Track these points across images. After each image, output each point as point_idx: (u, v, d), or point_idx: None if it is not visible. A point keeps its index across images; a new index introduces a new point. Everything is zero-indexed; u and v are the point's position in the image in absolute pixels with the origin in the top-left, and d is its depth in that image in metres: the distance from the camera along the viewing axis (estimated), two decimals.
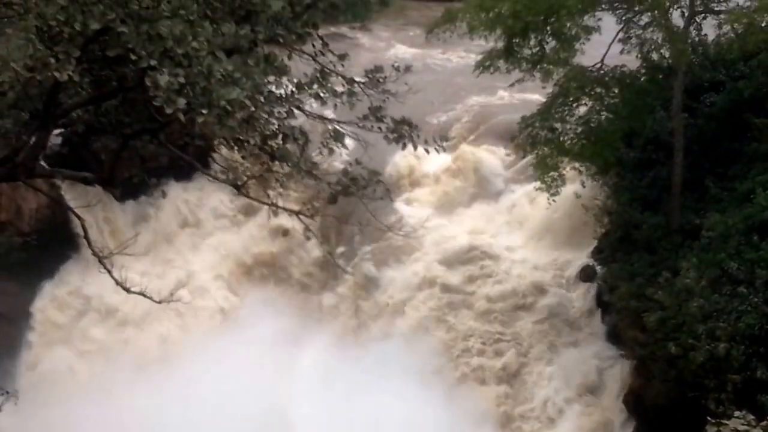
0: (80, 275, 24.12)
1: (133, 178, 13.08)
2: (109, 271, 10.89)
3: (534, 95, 23.81)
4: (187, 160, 11.62)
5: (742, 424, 8.94)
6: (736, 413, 9.20)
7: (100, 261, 10.82)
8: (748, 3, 18.20)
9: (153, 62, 7.93)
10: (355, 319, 24.29)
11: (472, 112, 28.12)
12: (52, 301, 24.20)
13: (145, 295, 11.21)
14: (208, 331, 24.13)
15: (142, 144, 11.05)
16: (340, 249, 24.11)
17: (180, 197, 25.61)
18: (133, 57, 7.99)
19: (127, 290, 11.08)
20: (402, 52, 35.50)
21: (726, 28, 18.78)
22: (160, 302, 11.52)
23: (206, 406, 21.03)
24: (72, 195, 20.10)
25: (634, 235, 19.09)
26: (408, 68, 10.57)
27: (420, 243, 24.02)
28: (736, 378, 14.60)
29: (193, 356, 23.12)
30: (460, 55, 33.32)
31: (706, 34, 20.16)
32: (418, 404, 21.09)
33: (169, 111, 7.90)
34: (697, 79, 20.49)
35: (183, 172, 24.82)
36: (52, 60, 8.03)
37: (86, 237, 11.65)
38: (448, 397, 21.79)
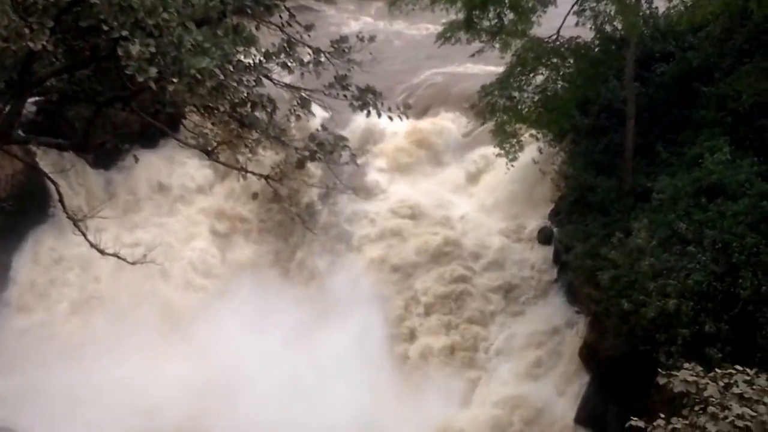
0: (55, 239, 24.04)
1: (105, 144, 13.12)
2: (84, 234, 11.02)
3: (489, 66, 24.22)
4: (159, 127, 11.75)
5: (691, 375, 9.01)
6: (686, 365, 9.27)
7: (75, 224, 10.93)
8: None
9: (125, 32, 8.07)
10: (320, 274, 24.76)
11: (434, 82, 28.31)
12: (27, 265, 24.16)
13: (119, 257, 11.34)
14: (181, 291, 24.34)
15: (115, 111, 11.17)
16: (307, 211, 24.35)
17: (152, 162, 25.62)
18: (106, 27, 8.13)
19: (102, 252, 11.21)
20: (366, 23, 35.51)
21: (675, 1, 19.24)
22: (133, 263, 11.68)
23: (183, 365, 21.41)
24: (47, 161, 20.18)
25: (588, 198, 19.51)
26: (372, 39, 10.85)
27: (382, 206, 24.33)
28: (685, 332, 14.90)
29: (169, 316, 23.39)
30: (425, 26, 33.43)
31: (656, 7, 20.60)
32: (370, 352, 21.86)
33: (140, 79, 8.08)
34: (648, 50, 20.86)
35: (154, 139, 24.99)
36: (27, 30, 8.12)
37: (61, 201, 11.77)
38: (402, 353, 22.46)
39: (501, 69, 20.40)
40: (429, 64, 29.49)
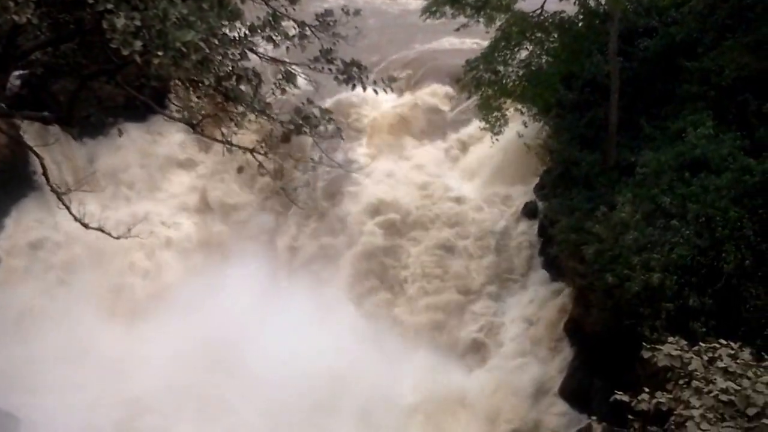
0: (40, 212, 24.08)
1: (90, 117, 13.04)
2: (68, 208, 11.01)
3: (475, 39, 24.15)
4: (144, 101, 11.66)
5: (675, 349, 9.05)
6: (670, 339, 9.34)
7: (59, 197, 10.92)
8: None
9: (110, 5, 7.98)
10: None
11: (419, 55, 28.29)
12: (11, 238, 24.20)
13: (103, 231, 11.35)
14: (167, 264, 24.41)
15: (100, 85, 11.16)
16: (293, 184, 24.40)
17: (137, 136, 25.57)
18: (91, 1, 8.03)
19: (86, 226, 11.21)
20: None
21: None
22: (118, 238, 11.67)
23: (170, 340, 21.52)
24: (31, 135, 19.99)
25: (573, 172, 19.57)
26: (357, 12, 10.81)
27: (368, 179, 24.44)
28: (669, 306, 15.02)
29: (155, 291, 23.47)
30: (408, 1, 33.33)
31: None
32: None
33: (125, 53, 8.02)
34: (632, 25, 20.89)
35: (139, 112, 24.77)
36: (11, 4, 8.01)
37: (45, 174, 11.70)
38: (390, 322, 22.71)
39: (486, 43, 20.37)
40: (415, 38, 29.41)
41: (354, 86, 10.64)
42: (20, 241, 24.31)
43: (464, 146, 24.93)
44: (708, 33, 19.54)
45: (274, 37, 10.15)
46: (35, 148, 12.54)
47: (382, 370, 21.19)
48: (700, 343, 9.17)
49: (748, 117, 17.41)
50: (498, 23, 19.54)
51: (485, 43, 20.51)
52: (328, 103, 22.58)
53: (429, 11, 19.81)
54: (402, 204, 23.78)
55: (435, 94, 26.19)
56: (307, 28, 10.42)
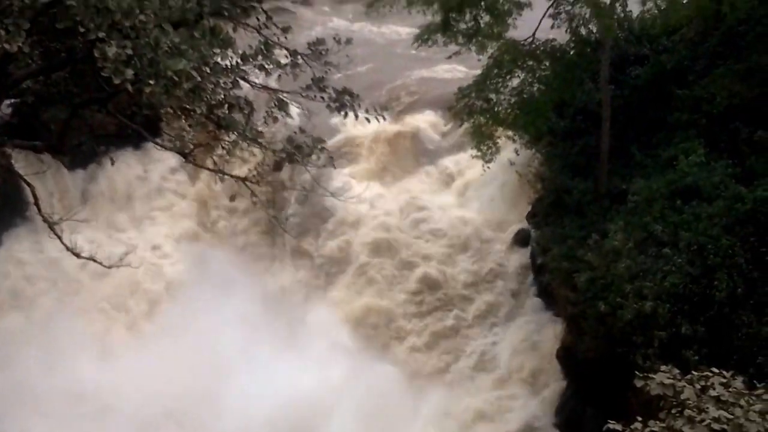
0: (31, 241, 24.00)
1: (82, 146, 12.97)
2: (59, 237, 10.93)
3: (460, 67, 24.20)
4: (135, 129, 11.61)
5: (668, 378, 9.01)
6: (663, 367, 9.29)
7: (51, 227, 10.84)
8: None
9: (101, 34, 7.95)
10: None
11: (410, 83, 28.31)
12: (2, 268, 24.09)
13: (94, 260, 11.28)
14: (157, 294, 24.28)
15: (91, 113, 11.11)
16: (285, 213, 24.37)
17: (128, 165, 25.58)
18: (82, 29, 8.01)
19: (77, 255, 11.13)
20: (343, 25, 35.52)
21: (650, 4, 19.35)
22: (109, 267, 11.60)
23: (159, 370, 21.29)
24: (22, 163, 19.95)
25: (565, 200, 19.60)
26: (349, 41, 10.81)
27: (360, 208, 24.36)
28: (662, 334, 15.01)
29: (144, 320, 23.32)
30: (400, 28, 33.50)
31: (630, 10, 20.59)
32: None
33: (117, 81, 7.96)
34: (623, 53, 21.02)
35: (131, 141, 24.91)
36: (2, 32, 7.98)
37: (36, 203, 11.56)
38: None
39: (478, 71, 20.45)
40: (406, 65, 29.52)
41: (346, 114, 10.64)
42: (11, 270, 24.15)
43: (456, 174, 24.93)
44: (699, 61, 19.70)
45: (266, 66, 10.12)
46: (26, 177, 12.49)
47: (371, 396, 21.03)
48: (693, 372, 9.12)
49: (739, 145, 17.49)
50: (490, 51, 19.62)
51: (475, 72, 20.56)
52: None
53: (421, 39, 19.90)
54: (392, 232, 23.70)
55: (426, 121, 26.20)
56: (299, 57, 10.41)
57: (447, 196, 24.63)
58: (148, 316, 23.81)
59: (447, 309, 22.52)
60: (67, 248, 11.21)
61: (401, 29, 32.45)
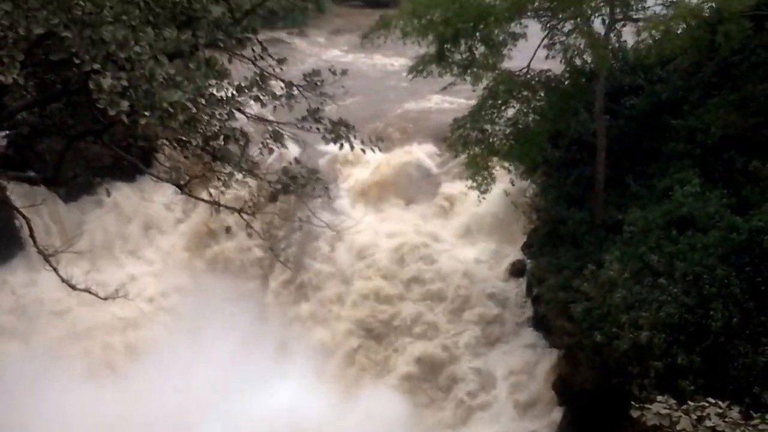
0: (26, 274, 23.97)
1: (77, 178, 12.97)
2: (55, 269, 10.92)
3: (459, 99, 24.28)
4: (131, 161, 11.65)
5: (664, 408, 8.99)
6: (659, 398, 9.28)
7: (46, 259, 10.83)
8: (665, 11, 18.85)
9: (96, 66, 7.99)
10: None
11: (406, 114, 28.46)
12: None
13: (90, 292, 11.24)
14: (152, 327, 24.17)
15: (87, 145, 11.09)
16: (281, 245, 24.30)
17: (124, 196, 25.59)
18: (77, 61, 8.06)
19: (73, 287, 11.10)
20: (338, 56, 35.79)
21: (644, 35, 19.31)
22: (105, 299, 11.56)
23: (154, 405, 21.12)
24: (17, 195, 19.98)
25: (560, 230, 19.60)
26: (344, 72, 10.88)
27: (355, 239, 24.36)
28: (658, 364, 14.97)
29: (140, 354, 23.21)
30: (395, 59, 33.73)
31: (625, 41, 20.77)
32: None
33: (112, 113, 7.98)
34: (618, 83, 21.08)
35: (126, 172, 24.89)
36: None
37: (32, 236, 11.59)
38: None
39: (473, 102, 20.51)
40: (401, 96, 29.67)
41: (342, 145, 10.65)
42: (6, 302, 24.05)
43: (451, 205, 24.92)
44: (694, 91, 19.77)
45: (261, 97, 10.17)
46: (22, 209, 12.46)
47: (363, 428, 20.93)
48: (689, 402, 9.08)
49: (734, 175, 17.51)
50: (485, 82, 19.67)
51: (473, 102, 20.62)
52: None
53: (416, 70, 19.94)
54: (387, 263, 23.66)
55: (422, 152, 26.23)
56: (294, 88, 10.45)
57: (442, 227, 24.60)
58: (141, 346, 23.68)
59: (441, 337, 22.35)
60: (63, 280, 11.18)
61: (400, 59, 32.59)
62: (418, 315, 22.77)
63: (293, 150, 12.00)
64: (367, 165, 26.06)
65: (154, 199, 26.16)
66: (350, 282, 23.90)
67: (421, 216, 25.08)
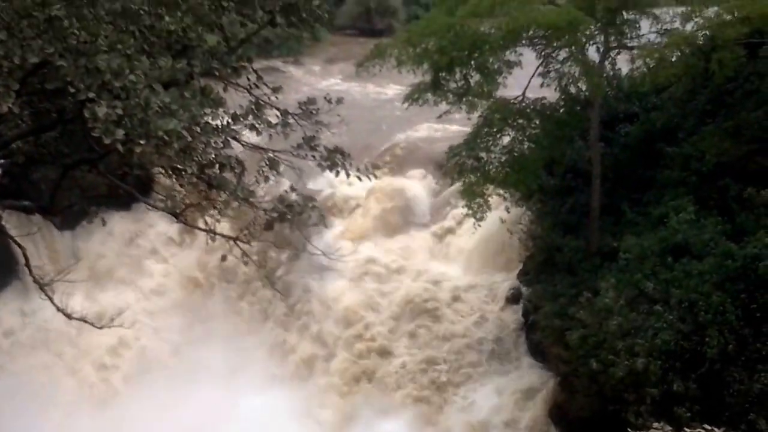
0: (22, 303, 23.93)
1: (72, 206, 12.91)
2: (51, 298, 10.87)
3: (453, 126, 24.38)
4: (126, 189, 11.62)
5: None
6: (655, 425, 9.35)
7: (42, 288, 10.79)
8: (659, 39, 19.00)
9: (91, 94, 8.00)
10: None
11: (401, 142, 28.57)
12: None
13: (86, 321, 11.19)
14: (146, 356, 24.08)
15: (82, 174, 11.07)
16: (277, 273, 24.28)
17: (119, 225, 25.62)
18: (72, 89, 8.07)
19: (68, 316, 11.06)
20: (333, 84, 35.96)
21: (638, 62, 19.27)
22: (101, 327, 11.53)
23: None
24: (12, 224, 19.90)
25: (556, 258, 19.63)
26: (339, 100, 10.88)
27: (352, 268, 24.35)
28: (653, 391, 14.92)
29: (132, 382, 23.10)
30: (390, 88, 33.89)
31: (620, 69, 20.92)
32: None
33: (107, 141, 7.99)
34: (613, 111, 21.28)
35: (122, 201, 24.89)
36: None
37: (27, 265, 11.52)
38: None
39: (468, 129, 20.56)
40: (397, 124, 29.78)
41: (337, 173, 10.65)
42: (2, 329, 23.97)
43: (447, 233, 24.97)
44: (688, 118, 19.90)
45: (257, 125, 10.18)
46: (17, 238, 12.41)
47: None
48: (685, 429, 9.09)
49: (728, 202, 17.56)
50: (480, 110, 19.70)
51: (468, 129, 20.67)
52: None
53: (411, 98, 19.94)
54: (383, 291, 23.60)
55: (418, 179, 26.28)
56: (289, 116, 10.46)
57: (438, 255, 24.59)
58: (138, 374, 23.57)
59: (437, 364, 22.36)
60: (59, 309, 11.14)
61: (395, 88, 32.73)
62: (413, 343, 22.71)
63: (289, 178, 11.96)
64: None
65: (150, 227, 26.16)
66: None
67: (416, 244, 25.13)
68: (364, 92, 34.64)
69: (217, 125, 9.70)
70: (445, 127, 27.45)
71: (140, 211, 25.49)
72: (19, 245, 11.98)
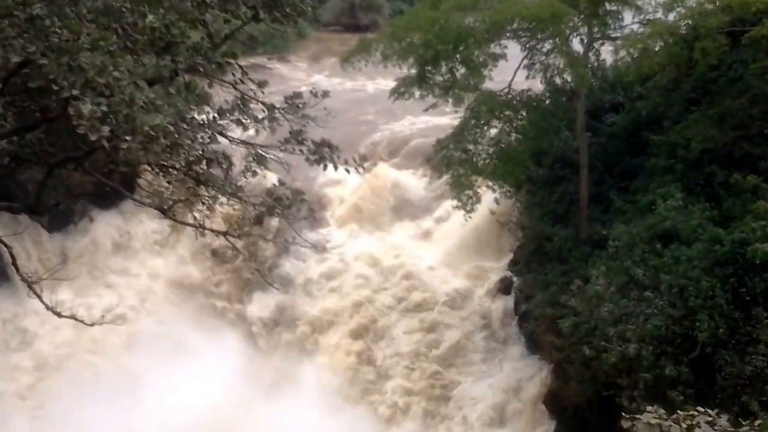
0: (10, 303, 23.85)
1: (59, 205, 12.83)
2: (39, 297, 10.78)
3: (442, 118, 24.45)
4: (113, 187, 11.59)
5: (654, 418, 9.05)
6: (648, 408, 9.34)
7: (30, 287, 10.69)
8: (642, 29, 19.15)
9: (75, 92, 7.85)
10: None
11: (389, 136, 28.57)
12: None
13: (76, 319, 11.11)
14: (138, 354, 24.01)
15: (68, 172, 11.01)
16: (267, 266, 24.25)
17: (107, 222, 25.54)
18: (56, 88, 7.92)
19: (58, 314, 10.97)
20: (319, 80, 35.93)
21: (622, 53, 19.58)
22: (91, 325, 11.46)
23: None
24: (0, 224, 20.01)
25: (546, 247, 19.76)
26: (326, 94, 10.85)
27: (344, 261, 24.39)
28: (646, 376, 15.10)
29: (125, 380, 23.03)
30: (377, 82, 33.88)
31: (604, 59, 21.07)
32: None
33: (93, 139, 7.76)
34: (598, 101, 21.43)
35: (109, 199, 24.90)
36: None
37: (15, 264, 11.45)
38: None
39: (457, 122, 20.63)
40: (383, 118, 29.78)
41: (325, 166, 10.64)
42: None
43: (437, 224, 24.99)
44: (673, 107, 20.02)
45: (243, 120, 10.15)
46: (4, 238, 12.33)
47: None
48: (678, 412, 9.10)
49: (715, 188, 17.72)
50: (467, 103, 19.82)
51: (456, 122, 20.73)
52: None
53: (398, 92, 20.06)
54: (374, 283, 23.67)
55: (407, 172, 26.29)
56: (276, 111, 10.45)
57: (428, 246, 24.63)
58: (132, 375, 23.53)
59: (431, 355, 22.42)
60: (48, 307, 11.03)
61: (381, 82, 32.71)
62: (405, 334, 22.80)
63: (277, 172, 11.98)
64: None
65: (137, 224, 26.10)
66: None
67: (406, 236, 25.17)
68: (352, 87, 34.56)
69: (203, 120, 9.62)
70: (431, 119, 27.47)
71: (128, 208, 25.38)
72: (6, 245, 11.85)
